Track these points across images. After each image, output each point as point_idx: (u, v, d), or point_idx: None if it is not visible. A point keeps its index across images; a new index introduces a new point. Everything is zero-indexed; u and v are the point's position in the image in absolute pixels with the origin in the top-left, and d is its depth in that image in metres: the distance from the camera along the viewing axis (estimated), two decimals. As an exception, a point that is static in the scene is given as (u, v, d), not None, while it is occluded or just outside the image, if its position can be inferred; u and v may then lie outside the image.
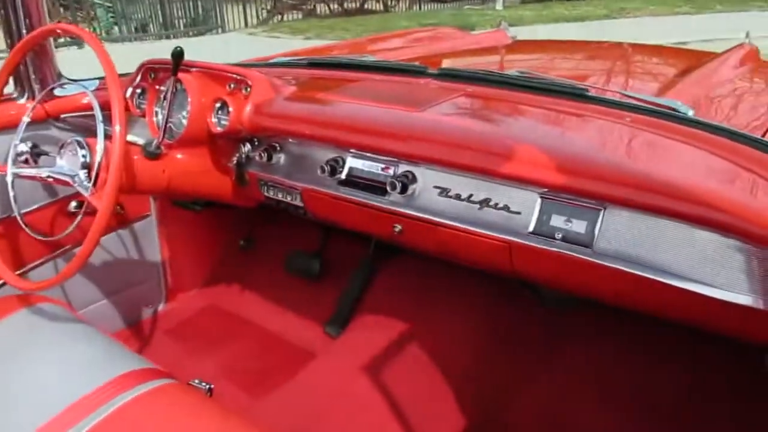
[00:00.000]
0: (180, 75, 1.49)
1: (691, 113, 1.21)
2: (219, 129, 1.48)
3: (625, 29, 8.96)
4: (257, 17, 12.70)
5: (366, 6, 14.62)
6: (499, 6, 13.16)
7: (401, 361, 1.62)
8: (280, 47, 8.84)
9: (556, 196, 1.10)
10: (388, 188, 1.27)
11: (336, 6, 14.13)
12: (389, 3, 14.98)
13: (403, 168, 1.29)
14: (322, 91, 1.51)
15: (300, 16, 13.44)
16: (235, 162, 1.55)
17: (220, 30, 11.51)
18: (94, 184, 1.26)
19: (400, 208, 1.29)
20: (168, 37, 10.95)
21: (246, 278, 2.15)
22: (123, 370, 1.17)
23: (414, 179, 1.27)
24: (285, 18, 13.23)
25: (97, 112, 1.28)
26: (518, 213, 1.15)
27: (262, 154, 1.49)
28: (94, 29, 10.45)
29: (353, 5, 14.31)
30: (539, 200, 1.12)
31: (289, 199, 1.51)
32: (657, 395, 1.53)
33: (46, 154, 1.57)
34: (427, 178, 1.26)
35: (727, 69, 1.83)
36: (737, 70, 1.87)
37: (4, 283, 1.60)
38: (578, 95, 1.31)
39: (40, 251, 1.69)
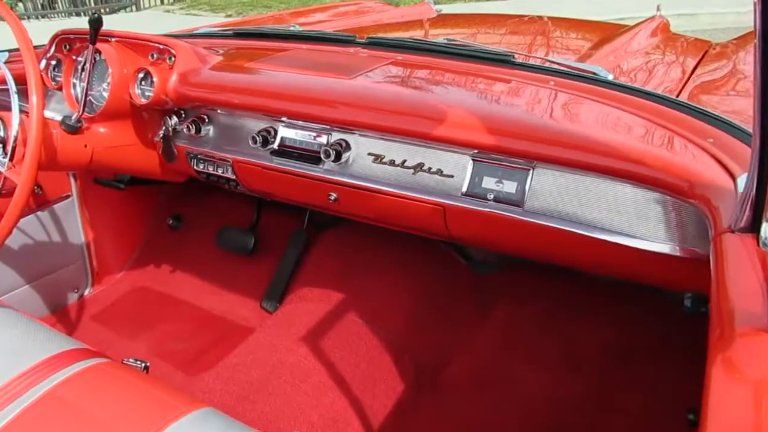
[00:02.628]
0: (99, 45, 1.42)
1: (611, 77, 1.27)
2: (143, 101, 1.43)
3: (544, 8, 9.19)
4: (174, -6, 12.19)
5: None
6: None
7: (338, 330, 1.64)
8: (197, 25, 8.51)
9: (487, 158, 1.14)
10: (322, 156, 1.28)
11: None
12: (311, -19, 14.75)
13: (336, 136, 1.29)
14: (250, 60, 1.48)
15: (219, -8, 12.99)
16: (161, 135, 1.51)
17: (134, 7, 10.97)
18: (11, 159, 1.20)
19: (334, 176, 1.30)
20: (78, 15, 10.32)
21: (176, 258, 2.09)
22: (52, 352, 1.12)
23: (348, 147, 1.28)
24: (203, -5, 12.76)
25: (11, 83, 1.22)
26: (451, 176, 1.18)
27: (190, 126, 1.45)
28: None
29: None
30: (471, 163, 1.15)
31: (220, 171, 1.48)
32: (584, 351, 1.62)
33: None
34: (361, 146, 1.27)
35: (641, 40, 1.93)
36: (650, 40, 1.97)
37: None
38: (504, 61, 1.35)
39: None
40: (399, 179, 1.23)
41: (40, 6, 10.24)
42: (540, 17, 2.43)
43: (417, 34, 2.41)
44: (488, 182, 1.14)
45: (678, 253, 0.99)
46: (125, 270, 2.09)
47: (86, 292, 2.00)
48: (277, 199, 1.52)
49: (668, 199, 0.98)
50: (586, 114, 1.16)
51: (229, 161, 1.44)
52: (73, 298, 1.97)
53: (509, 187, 1.12)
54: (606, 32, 2.05)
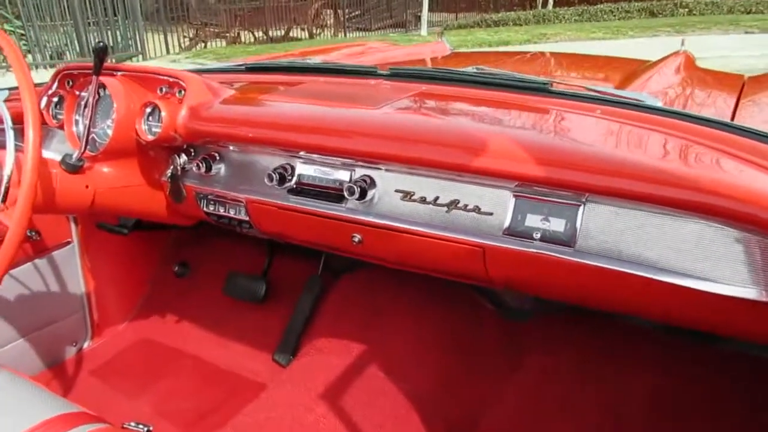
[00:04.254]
0: (104, 79, 1.33)
1: (659, 103, 1.16)
2: (150, 137, 1.33)
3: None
4: (179, 45, 12.37)
5: (291, 34, 14.54)
6: (423, 32, 13.37)
7: (359, 386, 1.49)
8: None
9: (531, 193, 1.02)
10: (346, 194, 1.16)
11: (261, 34, 13.97)
12: (314, 31, 14.97)
13: (360, 172, 1.18)
14: (265, 93, 1.39)
15: (223, 43, 13.20)
16: (169, 175, 1.40)
17: (140, 57, 11.13)
18: (4, 200, 1.09)
19: (358, 216, 1.18)
20: (85, 65, 10.48)
21: (182, 307, 1.96)
22: (46, 416, 0.99)
23: (373, 183, 1.17)
24: (208, 45, 12.96)
25: (6, 118, 1.12)
26: (490, 214, 1.06)
27: (200, 165, 1.35)
28: (4, 58, 9.86)
29: (278, 33, 14.19)
30: (512, 198, 1.04)
31: (232, 213, 1.37)
32: (625, 403, 1.47)
33: None
34: (387, 182, 1.16)
35: (668, 73, 1.84)
36: (678, 74, 1.88)
37: None
38: (540, 90, 1.25)
39: None
40: (431, 218, 1.11)
41: (49, 57, 10.38)
42: (559, 53, 2.37)
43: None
44: (533, 220, 1.02)
45: (765, 299, 0.86)
46: (128, 321, 1.95)
47: (85, 346, 1.87)
48: (294, 242, 1.40)
49: (750, 236, 0.85)
50: (642, 141, 1.05)
51: (242, 202, 1.33)
52: (70, 352, 1.83)
53: (557, 224, 1.00)
54: (626, 67, 1.97)
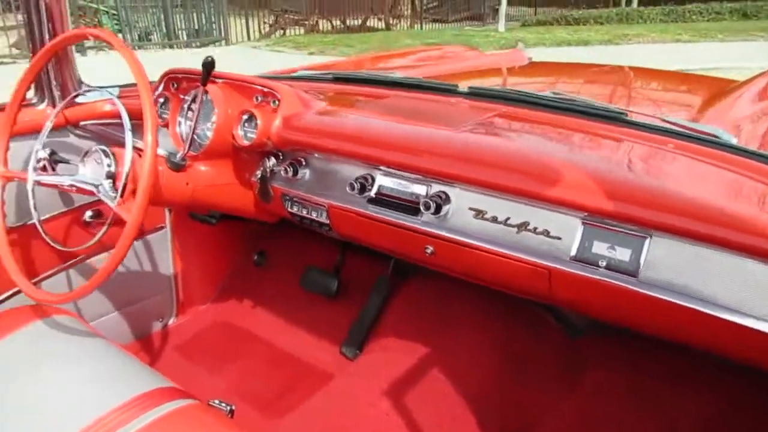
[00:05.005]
0: (206, 86, 1.46)
1: (734, 141, 1.18)
2: (245, 142, 1.45)
3: (628, 55, 9.04)
4: (259, 31, 12.72)
5: (368, 23, 14.69)
6: (501, 27, 13.22)
7: (421, 386, 1.58)
8: (284, 61, 8.87)
9: (599, 222, 1.07)
10: (422, 208, 1.24)
11: (338, 22, 14.20)
12: (390, 21, 15.07)
13: (436, 188, 1.26)
14: (352, 106, 1.48)
15: (302, 31, 13.49)
16: (259, 176, 1.52)
17: (223, 42, 11.52)
18: (122, 195, 1.23)
19: (432, 229, 1.26)
20: (171, 47, 10.95)
21: (259, 294, 2.11)
22: (143, 389, 1.13)
23: (448, 199, 1.24)
24: (287, 33, 13.28)
25: (126, 120, 1.25)
26: (558, 238, 1.12)
27: (288, 169, 1.46)
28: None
29: (355, 22, 14.38)
30: (581, 226, 1.09)
31: (314, 215, 1.48)
32: (681, 428, 1.49)
33: (66, 161, 1.53)
34: (462, 199, 1.23)
35: (755, 100, 1.82)
36: (765, 102, 1.85)
37: (17, 292, 1.56)
38: (615, 119, 1.29)
39: (52, 261, 1.65)
40: (501, 237, 1.18)
41: (137, 38, 10.91)
42: (641, 68, 2.36)
43: (514, 81, 2.37)
44: (599, 247, 1.07)
45: None
46: (209, 303, 2.11)
47: (170, 322, 2.04)
48: (370, 246, 1.50)
49: None
50: (710, 181, 1.08)
51: (324, 206, 1.43)
52: (157, 326, 2.01)
53: (622, 254, 1.05)
54: (713, 86, 1.95)
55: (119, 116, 1.63)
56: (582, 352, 1.67)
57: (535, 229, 1.14)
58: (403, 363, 1.65)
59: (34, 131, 1.50)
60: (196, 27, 11.43)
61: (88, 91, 1.55)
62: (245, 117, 1.46)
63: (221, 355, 1.90)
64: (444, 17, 16.03)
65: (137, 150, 1.27)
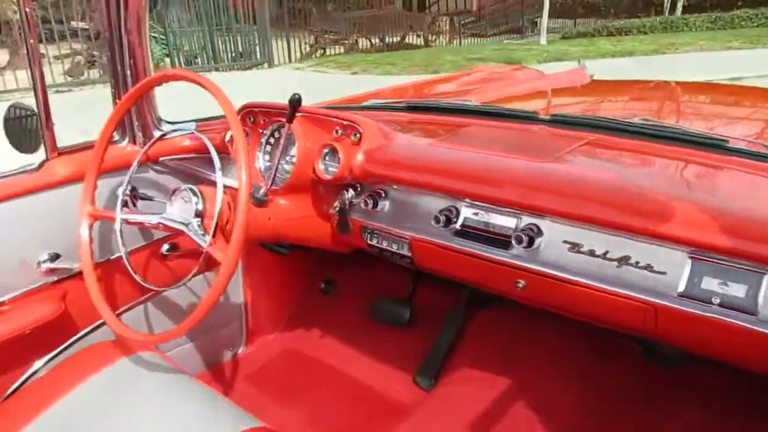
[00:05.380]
0: (283, 119, 1.46)
1: None
2: (327, 176, 1.44)
3: (677, 64, 8.84)
4: (300, 52, 12.90)
5: (406, 40, 14.76)
6: (543, 41, 13.09)
7: (504, 419, 1.53)
8: (329, 82, 8.96)
9: (709, 257, 1.02)
10: (513, 242, 1.21)
11: (377, 41, 14.31)
12: (429, 38, 15.10)
13: (526, 220, 1.22)
14: (431, 136, 1.46)
15: (342, 50, 13.62)
16: (337, 208, 1.51)
17: (266, 64, 11.71)
18: (214, 235, 1.23)
19: (523, 262, 1.22)
20: (217, 70, 11.18)
21: (327, 322, 2.09)
22: (235, 429, 1.12)
23: (540, 232, 1.20)
24: (327, 52, 13.43)
25: (216, 159, 1.25)
26: (663, 273, 1.07)
27: (367, 201, 1.44)
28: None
29: (393, 40, 14.46)
30: (689, 261, 1.04)
31: (395, 248, 1.45)
32: None
33: (147, 198, 1.55)
34: (555, 232, 1.19)
35: None
36: None
37: (99, 326, 1.58)
38: (717, 146, 1.23)
39: (130, 294, 1.67)
40: (600, 272, 1.13)
41: (184, 61, 11.18)
42: (712, 84, 2.28)
43: (572, 101, 2.32)
44: (710, 283, 1.02)
45: None
46: (276, 331, 2.11)
47: (239, 351, 2.04)
48: (453, 279, 1.46)
49: None
50: None
51: (406, 239, 1.41)
52: (227, 356, 2.01)
53: (737, 290, 0.99)
54: None
55: (197, 151, 1.66)
56: (678, 383, 1.60)
57: (637, 263, 1.09)
58: (483, 397, 1.60)
59: (115, 169, 1.53)
60: (240, 50, 11.66)
61: (175, 130, 1.56)
62: (325, 151, 1.45)
63: (292, 384, 1.89)
64: (482, 32, 16.00)
65: (226, 188, 1.27)
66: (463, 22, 15.98)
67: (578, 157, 1.28)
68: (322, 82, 8.90)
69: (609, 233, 1.12)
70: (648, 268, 1.08)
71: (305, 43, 13.23)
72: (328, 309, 2.13)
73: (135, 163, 1.44)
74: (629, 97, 2.26)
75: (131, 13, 1.45)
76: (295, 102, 1.36)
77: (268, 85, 8.27)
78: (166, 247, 1.72)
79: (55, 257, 1.46)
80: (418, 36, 15.03)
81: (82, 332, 1.56)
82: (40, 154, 1.46)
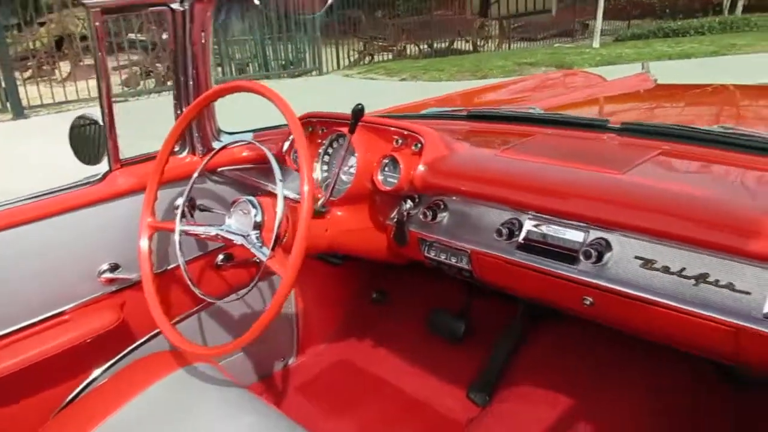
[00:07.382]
0: (343, 130, 1.44)
1: None
2: (386, 187, 1.41)
3: (741, 67, 8.48)
4: (349, 59, 12.97)
5: (454, 46, 14.67)
6: (596, 44, 12.78)
7: None
8: (379, 89, 8.97)
9: None
10: (581, 257, 1.15)
11: (425, 47, 14.26)
12: (477, 42, 14.96)
13: (594, 234, 1.16)
14: (494, 146, 1.41)
15: (390, 56, 13.62)
16: (395, 220, 1.48)
17: (316, 72, 11.82)
18: (273, 248, 1.21)
19: (592, 279, 1.16)
20: (267, 78, 11.34)
21: (379, 333, 2.06)
22: None
23: (609, 247, 1.14)
24: (375, 59, 13.45)
25: (277, 172, 1.24)
26: (746, 293, 0.99)
27: (426, 213, 1.40)
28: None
29: (442, 45, 14.39)
30: None
31: (454, 261, 1.41)
32: None
33: (205, 208, 1.56)
34: (626, 247, 1.13)
35: None
36: None
37: (155, 335, 1.59)
38: None
39: (185, 305, 1.67)
40: (675, 290, 1.06)
41: (236, 71, 11.39)
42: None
43: (638, 107, 2.23)
44: None
45: None
46: (327, 342, 2.09)
47: (290, 362, 2.03)
48: (515, 294, 1.41)
49: None
50: None
51: (466, 251, 1.36)
52: (278, 366, 2.00)
53: None
54: None
55: (254, 161, 1.66)
56: (751, 407, 1.50)
57: (717, 281, 1.02)
58: (542, 416, 1.54)
59: (175, 180, 1.54)
60: (291, 58, 11.80)
61: (235, 142, 1.56)
62: (385, 161, 1.43)
63: (344, 396, 1.87)
64: (532, 35, 15.73)
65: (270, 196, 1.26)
66: (512, 25, 15.76)
67: (653, 168, 1.21)
68: (370, 89, 8.91)
69: (684, 248, 1.05)
70: (729, 287, 1.01)
71: (354, 50, 13.30)
72: (379, 319, 2.10)
73: (195, 175, 1.45)
74: (698, 102, 2.15)
75: (196, 25, 1.46)
76: (359, 112, 1.34)
77: (316, 90, 8.32)
78: (220, 257, 1.72)
79: (114, 267, 1.48)
80: (467, 41, 14.91)
81: (138, 342, 1.57)
82: (102, 165, 1.49)
